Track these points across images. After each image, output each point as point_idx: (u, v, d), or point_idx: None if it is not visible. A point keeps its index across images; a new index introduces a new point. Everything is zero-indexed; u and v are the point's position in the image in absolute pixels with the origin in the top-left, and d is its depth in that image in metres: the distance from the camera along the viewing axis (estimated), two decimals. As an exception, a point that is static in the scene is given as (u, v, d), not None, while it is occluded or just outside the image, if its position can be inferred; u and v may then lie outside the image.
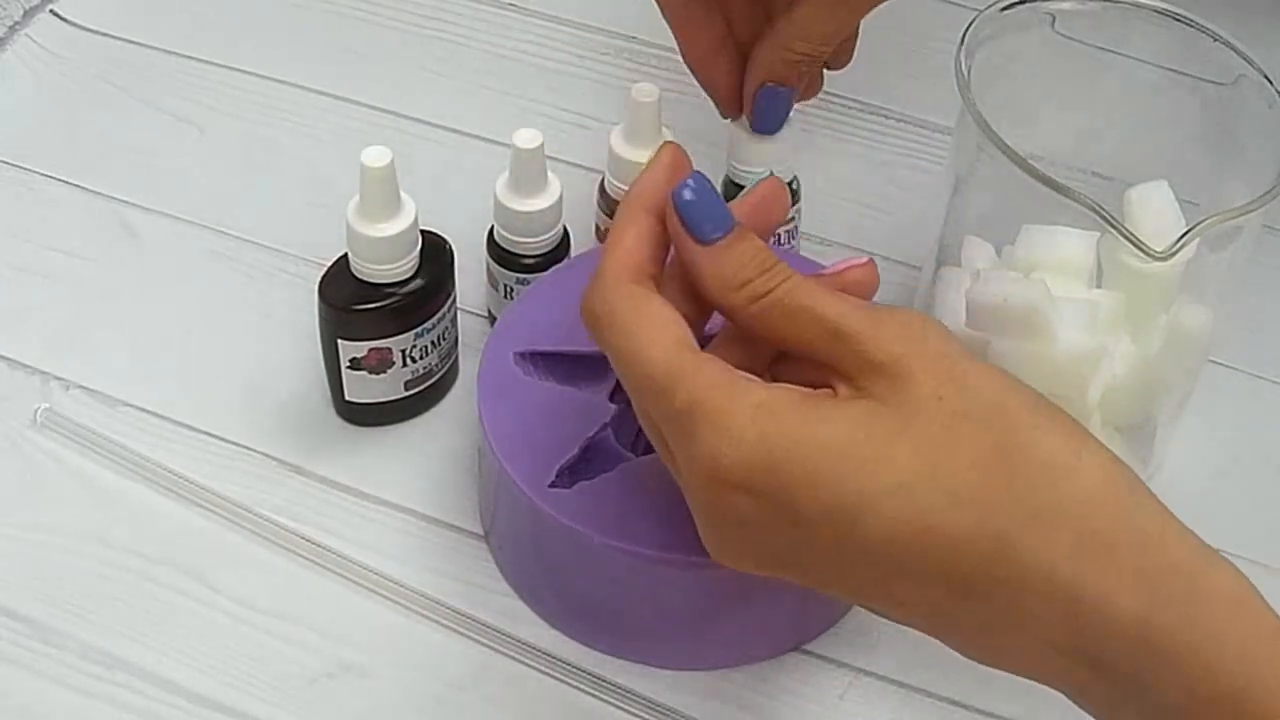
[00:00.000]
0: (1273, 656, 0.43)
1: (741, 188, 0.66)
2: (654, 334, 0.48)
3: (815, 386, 0.48)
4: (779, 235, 0.70)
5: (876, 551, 0.45)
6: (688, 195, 0.48)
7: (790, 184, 0.68)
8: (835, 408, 0.46)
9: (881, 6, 0.62)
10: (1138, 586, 0.44)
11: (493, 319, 0.71)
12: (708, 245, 0.48)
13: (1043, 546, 0.44)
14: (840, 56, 0.66)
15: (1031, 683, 0.61)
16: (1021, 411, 0.46)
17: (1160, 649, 0.43)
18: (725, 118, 0.66)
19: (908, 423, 0.45)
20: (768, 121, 0.64)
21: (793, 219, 0.70)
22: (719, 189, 0.61)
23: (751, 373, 0.48)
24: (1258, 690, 0.43)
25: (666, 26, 0.64)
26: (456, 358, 0.68)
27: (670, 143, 0.52)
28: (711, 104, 0.66)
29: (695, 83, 0.65)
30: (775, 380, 0.49)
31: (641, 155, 0.66)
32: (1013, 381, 0.47)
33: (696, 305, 0.50)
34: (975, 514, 0.44)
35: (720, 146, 0.68)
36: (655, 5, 0.64)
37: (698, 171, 0.50)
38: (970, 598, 0.45)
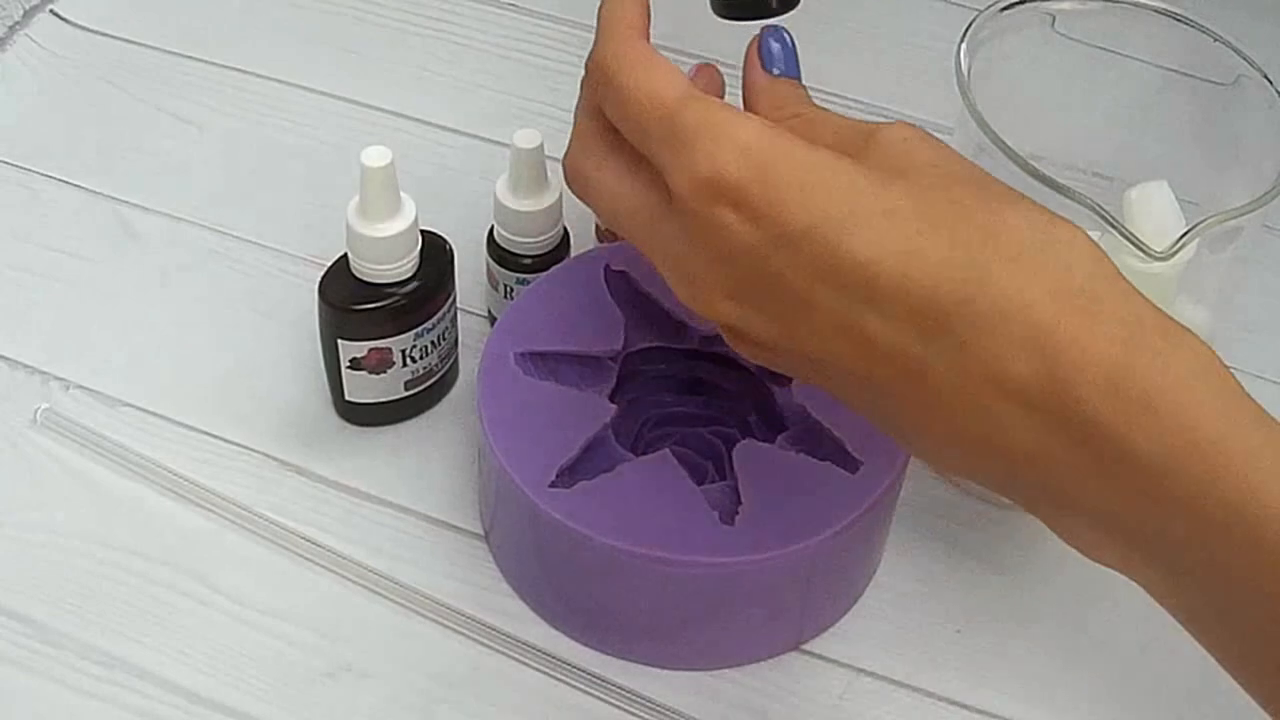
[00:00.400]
0: (1243, 411, 0.43)
1: None
2: (669, 73, 0.49)
3: None
4: None
5: (856, 273, 0.45)
6: (774, 46, 0.54)
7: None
8: (840, 154, 0.47)
9: (881, 6, 0.62)
10: (1114, 333, 0.44)
11: (493, 319, 0.71)
12: (772, 75, 0.53)
13: (1024, 284, 0.44)
14: None
15: (1031, 683, 0.61)
16: (1015, 191, 0.47)
17: (1136, 394, 0.43)
18: None
19: (906, 173, 0.47)
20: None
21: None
22: None
23: None
24: (1234, 439, 0.43)
25: (666, 26, 0.64)
26: (456, 358, 0.68)
27: None
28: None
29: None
30: None
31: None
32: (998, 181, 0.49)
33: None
34: (960, 246, 0.45)
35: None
36: (655, 5, 0.64)
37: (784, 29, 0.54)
38: (942, 334, 0.45)
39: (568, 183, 0.53)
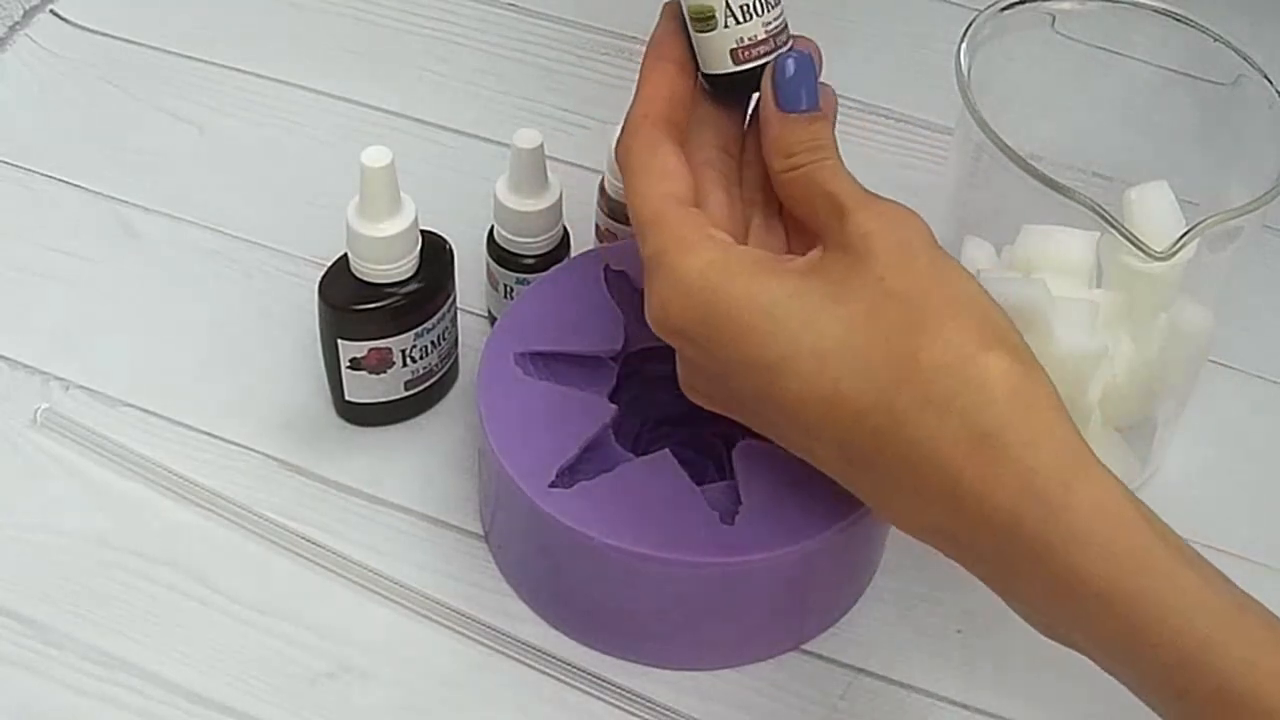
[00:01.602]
0: (1132, 555, 0.45)
1: None
2: (651, 182, 0.53)
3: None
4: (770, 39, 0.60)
5: (791, 410, 0.50)
6: (790, 68, 0.53)
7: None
8: (784, 273, 0.50)
9: (881, 6, 0.62)
10: (1013, 484, 0.46)
11: (493, 319, 0.71)
12: (784, 114, 0.53)
13: (931, 431, 0.47)
14: None
15: (1031, 683, 0.61)
16: (947, 301, 0.48)
17: (1027, 547, 0.46)
18: None
19: (841, 296, 0.49)
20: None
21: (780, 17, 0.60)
22: None
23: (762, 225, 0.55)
24: (1120, 592, 0.45)
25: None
26: (456, 358, 0.68)
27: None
28: None
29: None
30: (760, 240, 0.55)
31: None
32: (956, 275, 0.50)
33: (722, 151, 0.55)
34: (876, 389, 0.47)
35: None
36: (655, 5, 0.64)
37: (806, 50, 0.54)
38: (865, 468, 0.49)
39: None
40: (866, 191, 0.52)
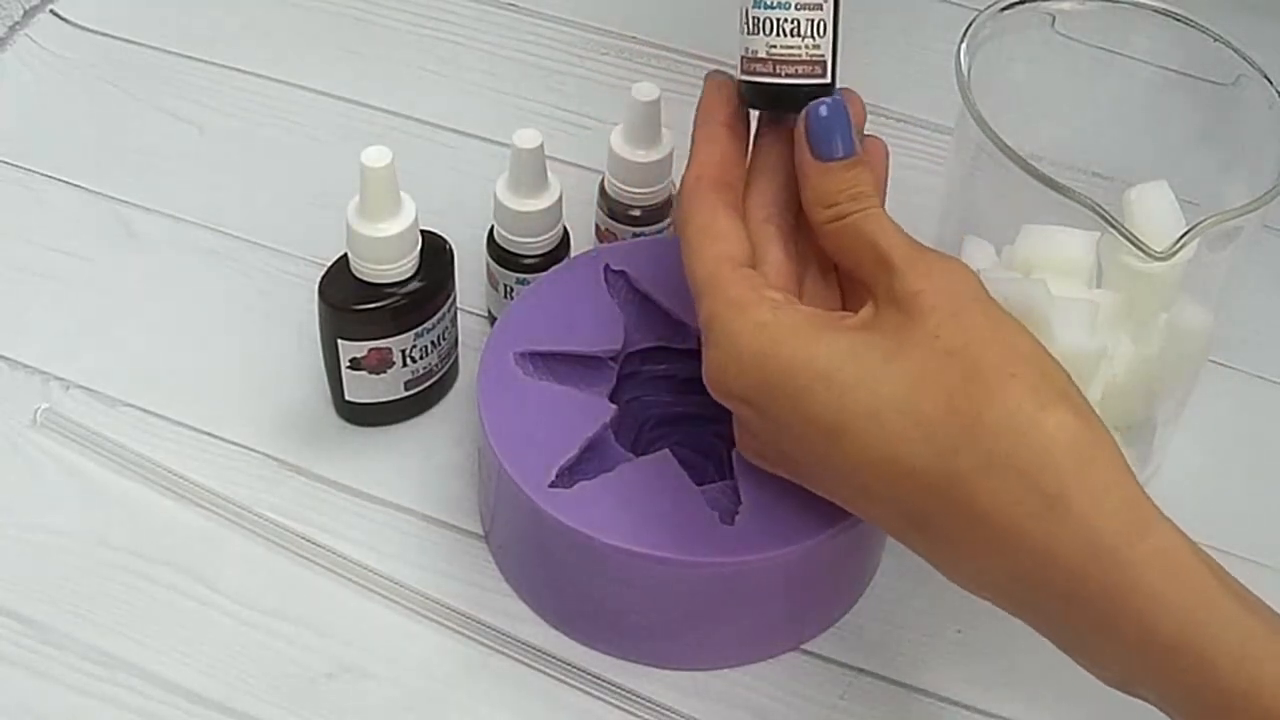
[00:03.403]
0: (1200, 603, 0.45)
1: None
2: (705, 244, 0.53)
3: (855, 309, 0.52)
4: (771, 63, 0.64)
5: (849, 472, 0.50)
6: (823, 112, 0.53)
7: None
8: (838, 333, 0.50)
9: (881, 6, 0.62)
10: (1077, 544, 0.46)
11: (493, 319, 0.71)
12: (820, 162, 0.53)
13: (993, 493, 0.46)
14: None
15: (1031, 683, 0.61)
16: (1004, 358, 0.48)
17: (1093, 605, 0.46)
18: None
19: (897, 355, 0.48)
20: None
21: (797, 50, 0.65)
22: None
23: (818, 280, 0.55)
24: (1190, 644, 0.45)
25: (666, 26, 0.64)
26: (456, 358, 0.68)
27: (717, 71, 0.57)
28: None
29: (695, 83, 0.65)
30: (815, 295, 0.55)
31: (641, 155, 0.66)
32: (1009, 329, 0.49)
33: (782, 207, 0.55)
34: (935, 451, 0.47)
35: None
36: (655, 5, 0.64)
37: (838, 94, 0.54)
38: (925, 529, 0.49)
39: None
40: (912, 242, 0.51)
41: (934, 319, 0.49)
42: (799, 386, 0.49)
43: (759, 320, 0.51)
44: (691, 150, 0.56)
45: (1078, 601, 0.46)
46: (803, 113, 0.53)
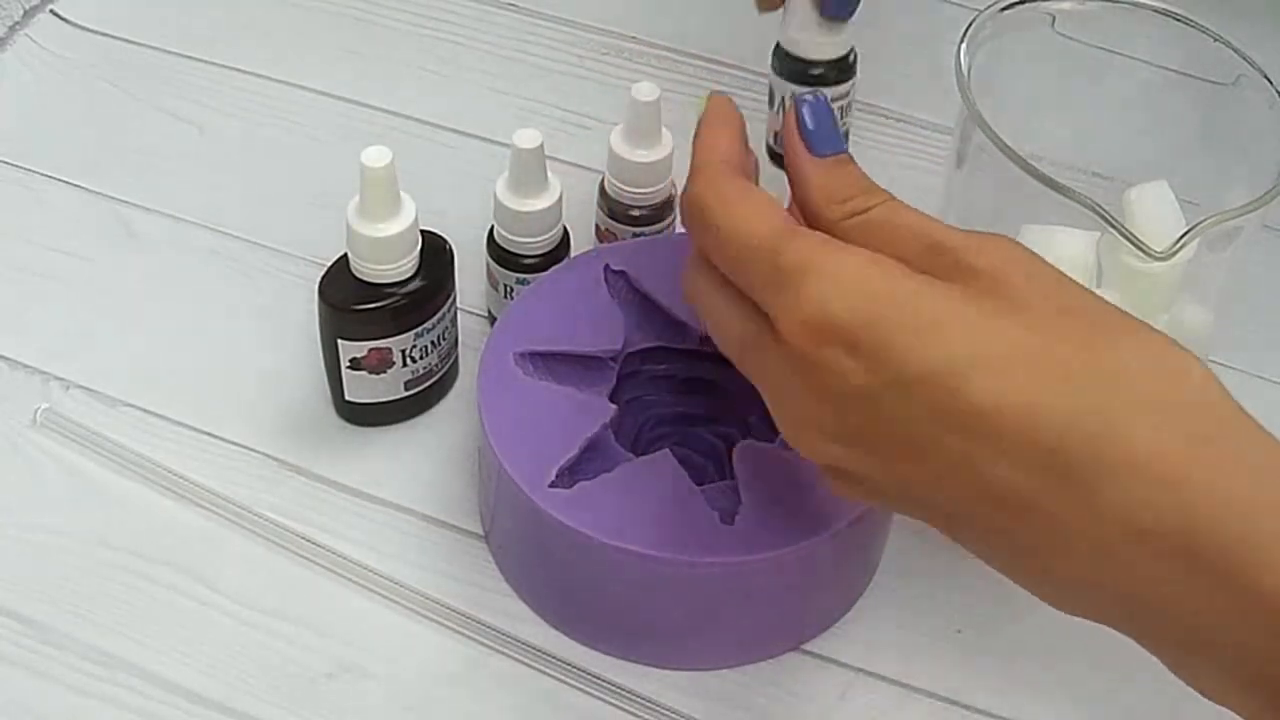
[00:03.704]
0: None
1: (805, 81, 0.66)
2: (763, 208, 0.48)
3: None
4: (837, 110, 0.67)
5: (978, 421, 0.43)
6: (813, 106, 0.50)
7: (848, 57, 0.68)
8: (948, 283, 0.45)
9: (881, 6, 0.62)
10: (1244, 478, 0.43)
11: (493, 319, 0.71)
12: (819, 158, 0.50)
13: (1153, 433, 0.43)
14: None
15: (1031, 683, 0.61)
16: (1125, 316, 0.45)
17: (1268, 536, 0.42)
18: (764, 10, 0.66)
19: (1017, 307, 0.45)
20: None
21: (848, 94, 0.68)
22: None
23: None
24: None
25: (666, 26, 0.64)
26: (456, 358, 0.68)
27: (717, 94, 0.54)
28: (757, 108, 0.65)
29: (695, 83, 0.65)
30: None
31: (641, 155, 0.66)
32: (1081, 287, 0.47)
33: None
34: (1085, 393, 0.43)
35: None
36: (655, 5, 0.64)
37: (819, 91, 0.52)
38: (1071, 484, 0.43)
39: (686, 299, 0.52)
40: (944, 224, 0.48)
41: (1030, 285, 0.45)
42: (923, 323, 0.44)
43: (866, 256, 0.46)
44: (706, 139, 0.52)
45: (1243, 550, 0.42)
46: (792, 111, 0.51)
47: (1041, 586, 0.46)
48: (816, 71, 0.66)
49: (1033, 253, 0.47)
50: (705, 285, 0.51)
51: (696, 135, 0.52)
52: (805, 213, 0.50)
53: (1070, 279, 0.47)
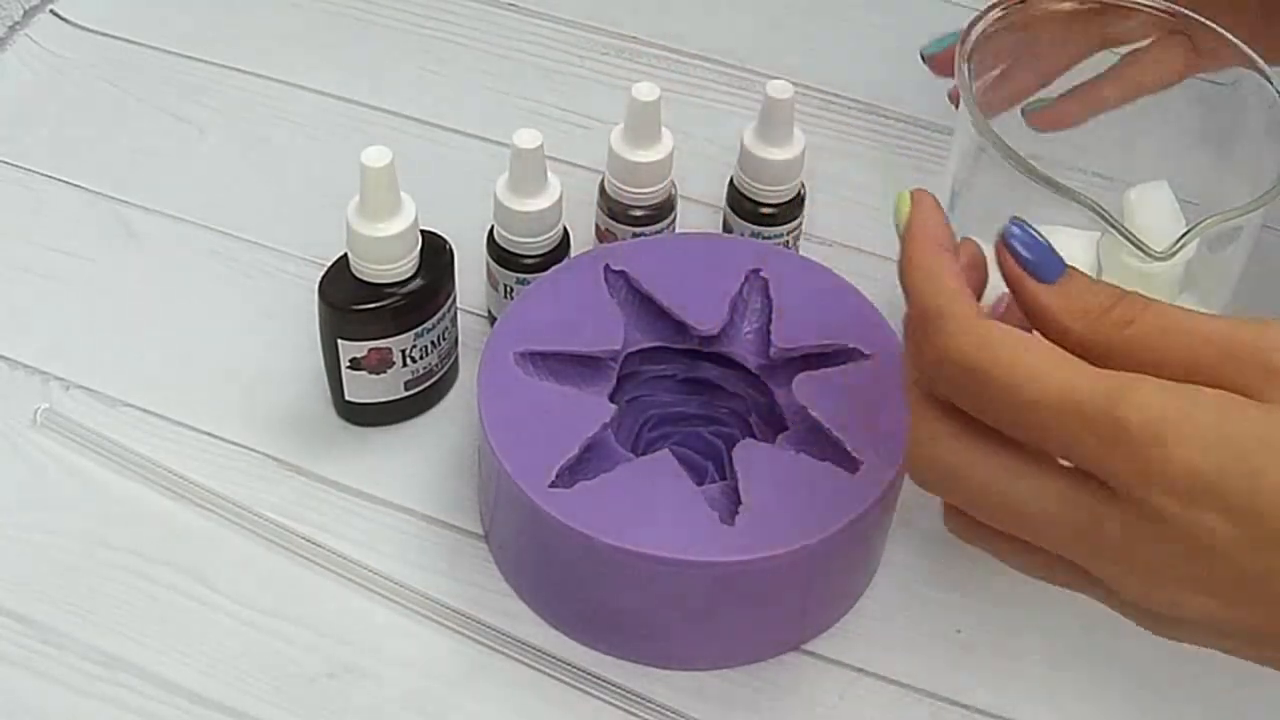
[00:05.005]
0: None
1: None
2: (1054, 356, 0.43)
3: None
4: (785, 239, 0.70)
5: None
6: (1021, 238, 0.46)
7: (799, 193, 0.69)
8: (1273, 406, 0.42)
9: (881, 7, 0.62)
10: None
11: (493, 319, 0.71)
12: (1053, 284, 0.46)
13: None
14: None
15: (1031, 683, 0.61)
16: None
17: None
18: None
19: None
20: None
21: (799, 221, 0.70)
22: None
23: None
24: None
25: (666, 26, 0.64)
26: (456, 358, 0.68)
27: (918, 190, 0.49)
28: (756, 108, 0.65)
29: (695, 83, 0.65)
30: None
31: (641, 155, 0.66)
32: None
33: None
34: None
35: (724, 147, 0.68)
36: (655, 5, 0.64)
37: (1016, 217, 0.47)
38: None
39: (917, 480, 0.47)
40: (1228, 318, 0.44)
41: None
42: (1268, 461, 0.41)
43: (1209, 400, 0.41)
44: (930, 282, 0.46)
45: None
46: (1001, 246, 0.46)
47: None
48: (767, 211, 0.69)
49: None
50: (964, 452, 0.45)
51: (911, 260, 0.47)
52: (1060, 339, 0.45)
53: None
